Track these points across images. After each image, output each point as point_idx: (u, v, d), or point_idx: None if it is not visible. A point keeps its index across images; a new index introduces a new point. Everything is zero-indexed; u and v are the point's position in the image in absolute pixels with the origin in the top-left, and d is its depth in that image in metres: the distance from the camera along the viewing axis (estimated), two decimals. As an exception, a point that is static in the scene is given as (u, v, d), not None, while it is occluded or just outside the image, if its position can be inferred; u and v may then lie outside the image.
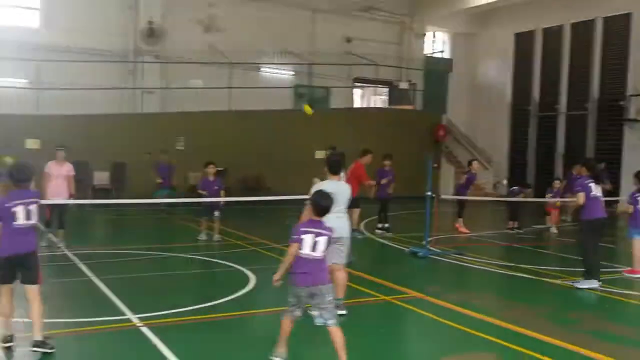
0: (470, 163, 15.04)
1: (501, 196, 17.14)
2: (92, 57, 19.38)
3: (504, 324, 6.50)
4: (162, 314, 6.42)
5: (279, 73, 23.31)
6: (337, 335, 4.91)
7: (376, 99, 26.95)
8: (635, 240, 9.35)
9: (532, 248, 12.47)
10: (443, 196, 11.38)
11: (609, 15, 21.95)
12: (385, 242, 12.33)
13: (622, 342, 6.12)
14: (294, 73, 23.57)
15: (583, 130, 22.81)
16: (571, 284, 8.58)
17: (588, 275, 8.41)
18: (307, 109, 10.36)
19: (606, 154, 21.74)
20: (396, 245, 11.82)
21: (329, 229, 5.10)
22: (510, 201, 14.75)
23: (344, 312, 6.66)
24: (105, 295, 7.26)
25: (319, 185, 6.44)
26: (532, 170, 24.69)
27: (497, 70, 26.56)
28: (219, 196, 11.65)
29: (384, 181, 13.39)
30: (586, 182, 8.60)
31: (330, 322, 4.93)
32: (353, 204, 10.55)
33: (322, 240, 4.99)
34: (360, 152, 12.31)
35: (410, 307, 7.15)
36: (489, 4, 23.11)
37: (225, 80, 21.47)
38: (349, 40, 24.46)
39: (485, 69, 27.20)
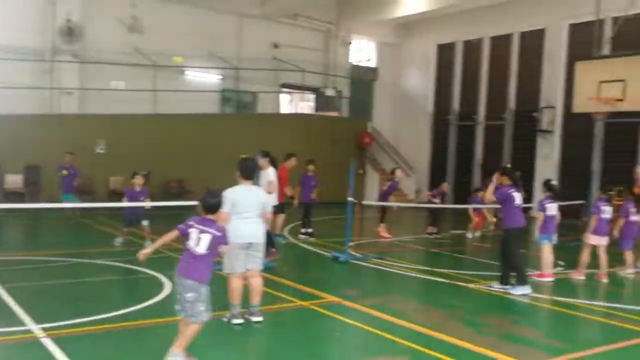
0: (393, 171, 15.32)
1: (421, 203, 17.56)
2: (6, 54, 18.50)
3: (418, 328, 6.64)
4: (69, 324, 6.15)
5: (206, 77, 23.00)
6: (190, 328, 5.05)
7: (303, 105, 27.07)
8: (544, 245, 9.79)
9: (449, 253, 12.83)
10: (364, 202, 11.52)
11: (525, 30, 22.99)
12: (308, 247, 12.36)
13: (528, 344, 6.36)
14: (221, 77, 23.32)
15: (500, 140, 23.74)
16: (487, 288, 8.88)
17: (522, 281, 8.70)
18: (177, 59, 10.65)
19: (521, 163, 22.71)
20: (318, 251, 11.87)
21: (218, 229, 5.12)
22: (430, 207, 15.16)
23: (260, 318, 6.62)
24: (6, 305, 6.88)
25: (230, 191, 6.38)
26: (452, 179, 25.42)
27: (420, 80, 27.27)
28: (144, 207, 11.37)
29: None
30: (509, 191, 8.92)
31: (192, 319, 5.03)
32: (278, 209, 10.56)
33: (205, 238, 5.04)
34: (284, 157, 12.32)
35: (328, 312, 7.18)
36: (411, 15, 23.70)
37: (150, 83, 21.01)
38: (276, 46, 24.48)
39: (409, 78, 27.88)
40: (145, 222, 11.29)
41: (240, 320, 6.52)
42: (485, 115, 24.48)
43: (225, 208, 6.41)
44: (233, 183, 6.58)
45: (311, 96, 26.16)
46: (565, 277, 10.10)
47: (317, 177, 13.94)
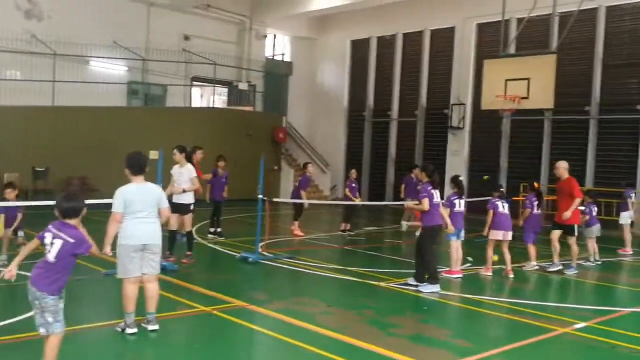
0: (305, 166, 15.08)
1: (337, 199, 17.40)
2: None
3: (325, 332, 6.37)
4: None
5: (111, 68, 21.85)
6: (48, 346, 4.64)
7: (216, 99, 26.34)
8: (452, 242, 9.80)
9: (363, 251, 12.70)
10: (275, 199, 11.14)
11: (436, 28, 23.37)
12: (217, 247, 11.87)
13: (437, 345, 6.24)
14: (127, 69, 22.25)
15: (413, 137, 24.05)
16: (398, 286, 8.76)
17: (433, 279, 8.62)
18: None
19: (433, 159, 23.11)
20: (227, 251, 11.40)
21: (74, 236, 4.63)
22: (344, 204, 14.99)
23: (156, 327, 6.14)
24: None
25: (121, 190, 5.86)
26: (367, 175, 25.56)
27: (335, 76, 27.22)
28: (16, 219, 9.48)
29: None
30: (429, 188, 8.82)
31: (42, 330, 4.63)
32: (188, 207, 9.93)
33: (56, 245, 4.58)
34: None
35: (231, 318, 6.77)
36: (326, 9, 23.52)
37: (49, 73, 19.71)
38: (187, 37, 23.67)
39: (325, 74, 27.77)
40: (20, 233, 9.73)
41: (135, 330, 6.02)
42: (399, 112, 24.72)
43: (117, 208, 5.91)
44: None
45: (225, 90, 25.52)
46: (474, 274, 10.18)
47: (228, 173, 13.39)
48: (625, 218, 13.82)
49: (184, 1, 23.20)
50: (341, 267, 10.19)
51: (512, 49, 19.38)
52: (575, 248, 10.63)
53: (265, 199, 10.62)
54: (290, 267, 10.03)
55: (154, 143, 19.15)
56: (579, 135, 19.32)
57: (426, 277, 8.66)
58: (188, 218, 9.83)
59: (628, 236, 13.76)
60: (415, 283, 8.85)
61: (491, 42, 20.83)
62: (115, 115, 20.54)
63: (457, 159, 22.37)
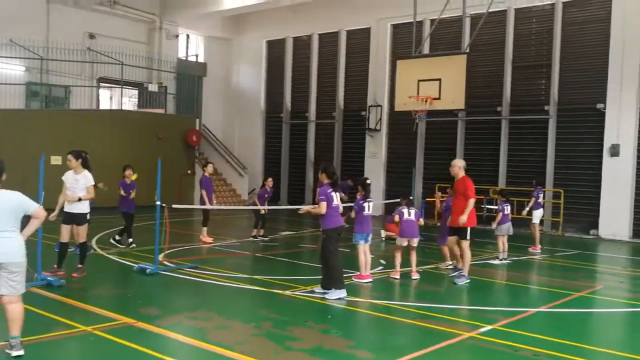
0: (205, 166, 14.31)
1: (251, 204, 16.72)
2: None
3: (215, 349, 5.80)
4: None
5: (7, 68, 20.33)
6: None
7: (127, 101, 25.15)
8: (359, 246, 9.45)
9: (273, 257, 12.19)
10: (174, 205, 10.44)
11: (351, 28, 23.22)
12: (116, 258, 11.01)
13: (334, 357, 5.81)
14: (25, 69, 20.79)
15: (331, 139, 23.78)
16: (303, 294, 8.30)
17: (338, 284, 8.19)
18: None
19: (352, 161, 22.96)
20: (126, 262, 10.58)
21: None
22: (256, 209, 14.44)
23: (20, 352, 5.40)
24: None
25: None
26: (285, 178, 25.10)
27: (250, 77, 26.61)
28: None
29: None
30: (328, 191, 8.39)
31: None
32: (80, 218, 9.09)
33: None
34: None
35: (112, 338, 6.08)
36: (237, 8, 22.86)
37: None
38: (92, 36, 22.44)
39: (240, 75, 27.10)
40: None
41: (21, 352, 5.33)
42: (317, 114, 24.41)
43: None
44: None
45: (135, 92, 24.38)
46: (384, 277, 9.89)
47: (135, 182, 12.46)
48: (537, 217, 14.05)
49: (87, -4, 21.97)
50: (246, 276, 9.64)
51: (426, 50, 19.50)
52: (467, 254, 9.58)
53: (164, 205, 9.89)
54: (191, 278, 9.37)
55: (56, 148, 18.06)
56: (492, 135, 19.60)
57: (334, 281, 8.26)
58: (83, 229, 9.06)
59: (537, 234, 13.96)
60: (322, 290, 8.45)
61: (405, 43, 20.85)
62: (11, 118, 19.13)
63: (375, 161, 22.26)
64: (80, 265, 9.22)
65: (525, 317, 7.65)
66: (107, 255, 11.23)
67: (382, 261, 11.35)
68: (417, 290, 9.25)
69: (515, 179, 18.81)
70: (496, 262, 11.72)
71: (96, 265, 10.20)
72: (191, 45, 27.29)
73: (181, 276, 9.48)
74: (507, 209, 12.08)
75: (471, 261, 10.21)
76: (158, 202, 9.82)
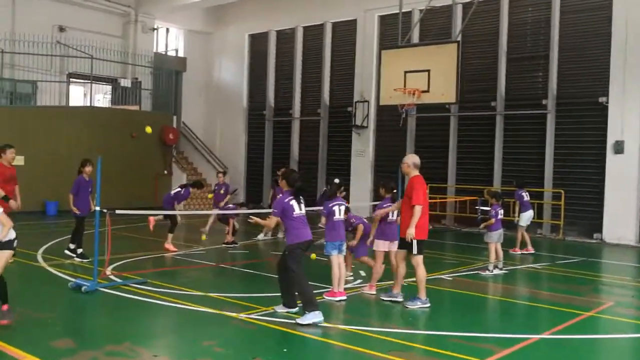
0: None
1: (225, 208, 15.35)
2: None
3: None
4: None
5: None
6: None
7: (101, 97, 23.80)
8: (332, 257, 8.10)
9: (239, 268, 10.87)
10: (117, 211, 9.04)
11: (337, 20, 21.90)
12: (56, 271, 9.59)
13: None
14: (-14, 63, 19.46)
15: (316, 137, 22.48)
16: (261, 317, 6.98)
17: (310, 306, 6.85)
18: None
19: (337, 159, 21.66)
20: (67, 277, 9.19)
21: None
22: (224, 213, 13.19)
23: None
24: None
25: None
26: (269, 177, 23.76)
27: (232, 73, 25.29)
28: None
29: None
30: (286, 200, 7.08)
31: None
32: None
33: None
34: None
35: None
36: (216, 0, 21.56)
37: None
38: (62, 28, 21.10)
39: (221, 70, 25.76)
40: None
41: None
42: (301, 110, 23.10)
43: None
44: None
45: (109, 88, 23.04)
46: (359, 293, 8.57)
47: (93, 180, 10.87)
48: (525, 220, 13.26)
49: (55, -13, 20.62)
50: (200, 293, 8.30)
51: (414, 40, 18.22)
52: (420, 272, 7.79)
53: (104, 210, 8.55)
54: (134, 297, 8.00)
55: (21, 147, 16.77)
56: (486, 132, 18.33)
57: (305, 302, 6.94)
58: None
59: (527, 236, 13.23)
60: (283, 310, 7.16)
61: (393, 35, 19.40)
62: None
63: (362, 159, 20.95)
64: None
65: (524, 347, 6.33)
66: (47, 268, 9.85)
67: (362, 272, 10.05)
68: (395, 311, 7.87)
69: (511, 179, 17.46)
70: (486, 273, 10.42)
71: (26, 280, 8.84)
72: (171, 39, 25.96)
73: (123, 294, 8.12)
74: (501, 213, 10.76)
75: (460, 272, 8.92)
76: (97, 208, 8.45)
